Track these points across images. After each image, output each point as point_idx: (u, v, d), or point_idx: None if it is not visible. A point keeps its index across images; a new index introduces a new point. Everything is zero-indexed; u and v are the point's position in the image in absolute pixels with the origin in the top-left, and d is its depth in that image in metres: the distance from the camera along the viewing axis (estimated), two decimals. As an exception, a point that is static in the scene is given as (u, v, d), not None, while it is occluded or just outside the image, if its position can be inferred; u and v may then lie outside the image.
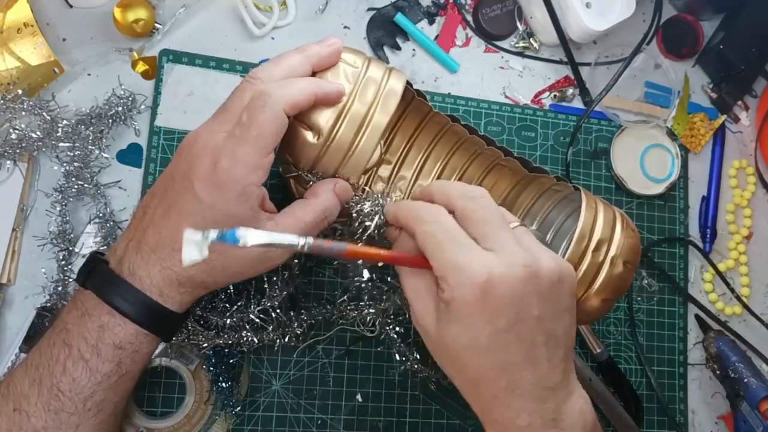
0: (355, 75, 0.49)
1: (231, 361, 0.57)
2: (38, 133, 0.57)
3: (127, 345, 0.45)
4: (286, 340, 0.58)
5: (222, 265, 0.46)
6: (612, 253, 0.52)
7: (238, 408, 0.58)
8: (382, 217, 0.49)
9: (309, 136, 0.48)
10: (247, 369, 0.59)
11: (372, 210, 0.50)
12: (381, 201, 0.50)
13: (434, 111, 0.57)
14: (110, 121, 0.59)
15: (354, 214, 0.50)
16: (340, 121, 0.48)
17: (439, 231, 0.43)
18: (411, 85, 0.55)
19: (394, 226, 0.49)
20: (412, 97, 0.57)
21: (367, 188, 0.52)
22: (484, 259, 0.41)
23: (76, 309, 0.46)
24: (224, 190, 0.43)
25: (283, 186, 0.63)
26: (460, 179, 0.61)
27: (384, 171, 0.60)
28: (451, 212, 0.45)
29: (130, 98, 0.60)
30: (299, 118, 0.48)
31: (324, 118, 0.48)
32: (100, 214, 0.58)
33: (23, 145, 0.57)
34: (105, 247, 0.58)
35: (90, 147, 0.58)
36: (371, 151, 0.49)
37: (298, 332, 0.58)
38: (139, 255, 0.45)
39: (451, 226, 0.43)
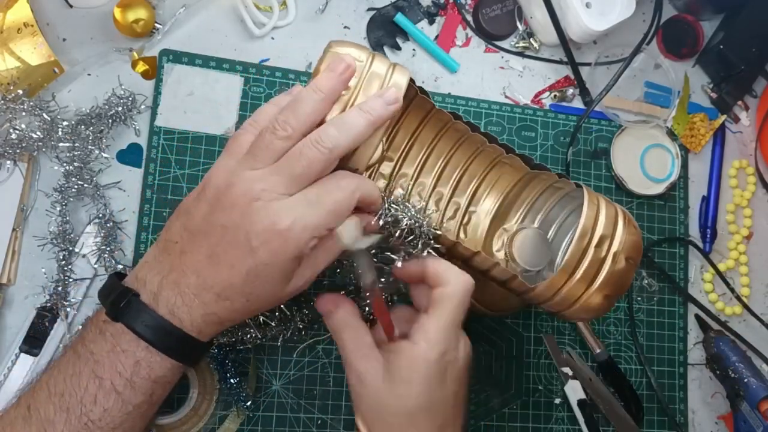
0: (359, 69, 0.49)
1: (239, 355, 0.57)
2: (38, 133, 0.57)
3: (162, 378, 0.45)
4: (289, 334, 0.58)
5: (261, 305, 0.47)
6: (614, 248, 0.52)
7: (249, 403, 0.58)
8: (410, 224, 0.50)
9: None
10: (254, 364, 0.59)
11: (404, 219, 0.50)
12: (415, 213, 0.51)
13: (436, 108, 0.57)
14: (110, 121, 0.59)
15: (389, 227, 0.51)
16: None
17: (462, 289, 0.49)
18: (414, 81, 0.55)
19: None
20: (414, 94, 0.57)
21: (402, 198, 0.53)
22: (459, 339, 0.50)
23: (104, 341, 0.44)
24: (283, 251, 0.43)
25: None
26: (462, 176, 0.61)
27: (386, 168, 0.60)
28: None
29: (130, 98, 0.60)
30: None
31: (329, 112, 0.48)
32: (100, 215, 0.58)
33: (23, 145, 0.57)
34: (108, 253, 0.58)
35: (90, 147, 0.58)
36: (374, 147, 0.49)
37: (300, 326, 0.58)
38: (179, 297, 0.44)
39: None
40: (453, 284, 0.48)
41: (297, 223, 0.43)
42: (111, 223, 0.58)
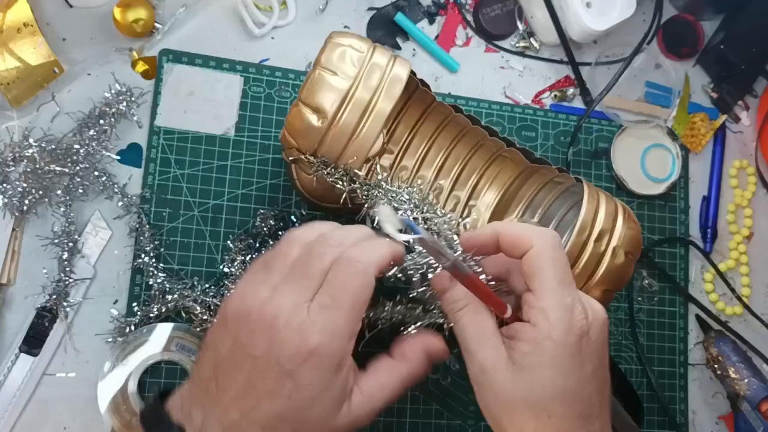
0: (360, 60, 0.49)
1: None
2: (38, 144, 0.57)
3: None
4: None
5: None
6: (613, 243, 0.52)
7: None
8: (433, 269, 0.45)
9: (314, 119, 0.48)
10: None
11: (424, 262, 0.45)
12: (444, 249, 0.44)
13: (437, 101, 0.57)
14: (112, 120, 0.59)
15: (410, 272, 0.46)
16: (344, 106, 0.48)
17: (560, 259, 0.41)
18: (415, 74, 0.55)
19: (443, 281, 0.44)
20: (415, 87, 0.57)
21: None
22: (584, 303, 0.41)
23: None
24: (321, 367, 0.39)
25: (284, 185, 0.63)
26: (462, 170, 0.61)
27: (386, 161, 0.60)
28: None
29: (129, 92, 0.59)
30: (304, 101, 0.48)
31: (329, 101, 0.48)
32: (136, 226, 0.58)
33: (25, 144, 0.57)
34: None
35: (94, 147, 0.58)
36: (374, 137, 0.49)
37: None
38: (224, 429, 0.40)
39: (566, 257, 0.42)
40: (538, 241, 0.41)
41: (325, 336, 0.39)
42: (149, 233, 0.58)
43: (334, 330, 0.39)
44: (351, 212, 0.63)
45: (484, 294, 0.42)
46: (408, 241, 0.40)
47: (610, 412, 0.43)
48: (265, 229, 0.60)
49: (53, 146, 0.57)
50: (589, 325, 0.40)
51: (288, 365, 0.39)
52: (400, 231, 0.40)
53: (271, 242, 0.60)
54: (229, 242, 0.60)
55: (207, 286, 0.59)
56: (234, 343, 0.40)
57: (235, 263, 0.58)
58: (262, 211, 0.61)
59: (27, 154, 0.57)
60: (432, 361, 0.44)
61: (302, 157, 0.50)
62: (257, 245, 0.59)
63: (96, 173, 0.58)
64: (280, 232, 0.61)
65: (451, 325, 0.44)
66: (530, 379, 0.40)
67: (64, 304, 0.56)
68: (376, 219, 0.44)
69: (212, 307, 0.57)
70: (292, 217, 0.62)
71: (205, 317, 0.56)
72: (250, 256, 0.59)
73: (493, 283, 0.45)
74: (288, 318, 0.39)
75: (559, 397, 0.40)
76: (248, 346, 0.40)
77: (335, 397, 0.40)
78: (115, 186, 0.58)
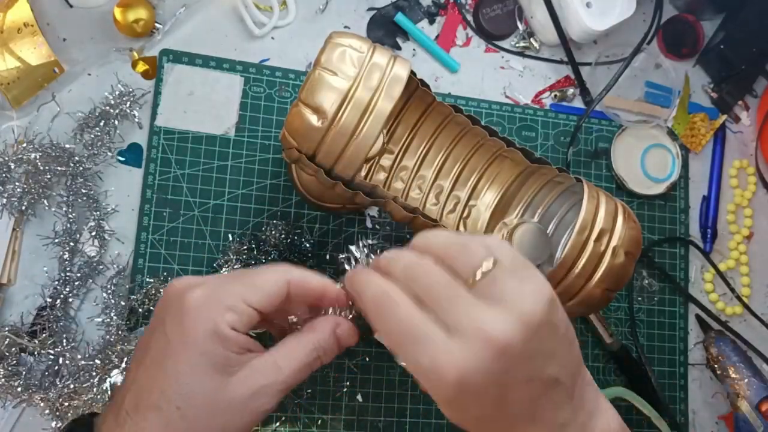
0: (360, 60, 0.49)
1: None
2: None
3: None
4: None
5: (203, 421, 0.38)
6: (614, 243, 0.52)
7: None
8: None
9: (314, 119, 0.48)
10: None
11: None
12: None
13: (437, 101, 0.57)
14: (115, 121, 0.59)
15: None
16: (344, 106, 0.48)
17: (394, 326, 0.37)
18: (415, 74, 0.55)
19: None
20: (415, 87, 0.57)
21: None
22: (448, 355, 0.36)
23: None
24: (193, 326, 0.38)
25: (285, 185, 0.63)
26: (462, 169, 0.61)
27: (386, 161, 0.60)
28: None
29: (131, 93, 0.59)
30: (304, 101, 0.48)
31: (329, 101, 0.48)
32: (96, 215, 0.58)
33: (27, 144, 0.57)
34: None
35: (97, 148, 0.59)
36: (374, 138, 0.49)
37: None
38: (116, 421, 0.38)
39: (406, 315, 0.37)
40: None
41: (206, 295, 0.38)
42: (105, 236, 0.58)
43: (217, 291, 0.39)
44: (351, 212, 0.63)
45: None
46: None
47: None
48: (272, 239, 0.60)
49: (53, 146, 0.57)
50: (462, 374, 0.36)
51: (168, 328, 0.38)
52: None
53: (274, 253, 0.60)
54: (230, 236, 0.60)
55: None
56: (149, 327, 0.41)
57: (229, 262, 0.58)
58: (274, 222, 0.61)
59: (27, 154, 0.56)
60: (341, 342, 0.43)
61: (302, 158, 0.50)
62: (256, 251, 0.59)
63: (84, 190, 0.58)
64: (286, 247, 0.61)
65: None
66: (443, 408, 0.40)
67: (65, 304, 0.56)
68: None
69: None
70: (306, 244, 0.61)
71: None
72: (245, 257, 0.58)
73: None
74: (186, 282, 0.40)
75: (467, 425, 0.40)
76: (153, 322, 0.40)
77: (217, 364, 0.38)
78: (93, 216, 0.58)
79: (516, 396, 0.37)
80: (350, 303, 0.43)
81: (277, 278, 0.40)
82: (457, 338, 0.36)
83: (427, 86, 0.56)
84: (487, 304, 0.36)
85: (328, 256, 0.63)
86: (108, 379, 0.55)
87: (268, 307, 0.40)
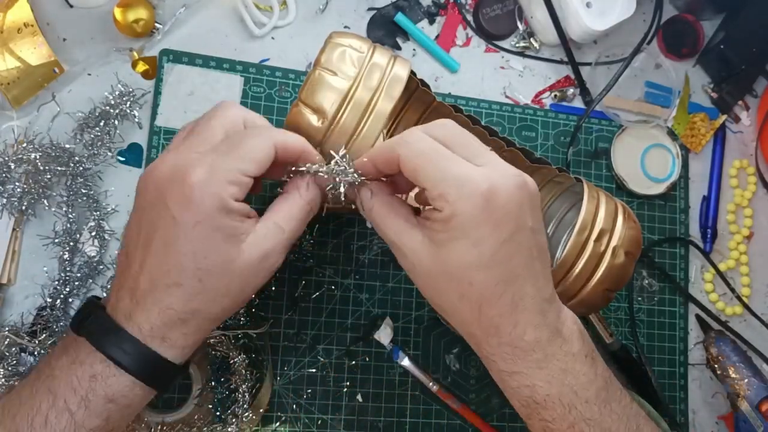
0: (360, 60, 0.49)
1: (240, 362, 0.57)
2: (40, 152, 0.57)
3: (120, 398, 0.41)
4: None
5: (223, 287, 0.42)
6: (613, 243, 0.52)
7: (248, 414, 0.57)
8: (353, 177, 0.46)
9: (314, 119, 0.48)
10: (270, 378, 0.59)
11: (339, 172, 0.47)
12: (346, 165, 0.47)
13: (437, 101, 0.57)
14: (115, 121, 0.59)
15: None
16: (344, 106, 0.48)
17: (427, 149, 0.42)
18: (415, 74, 0.55)
19: (366, 187, 0.46)
20: (416, 87, 0.57)
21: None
22: (480, 171, 0.41)
23: (66, 355, 0.42)
24: (202, 204, 0.40)
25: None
26: None
27: None
28: None
29: (132, 94, 0.59)
30: (304, 101, 0.48)
31: (329, 101, 0.48)
32: (96, 215, 0.58)
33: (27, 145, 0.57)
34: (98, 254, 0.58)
35: (97, 148, 0.59)
36: (374, 138, 0.49)
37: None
38: (134, 300, 0.42)
39: (437, 143, 0.42)
40: (403, 150, 0.42)
41: (207, 172, 0.41)
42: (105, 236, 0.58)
43: (216, 169, 0.41)
44: (352, 212, 0.63)
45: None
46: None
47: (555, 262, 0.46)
48: None
49: (53, 146, 0.57)
50: (492, 192, 0.40)
51: (173, 209, 0.40)
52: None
53: None
54: None
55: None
56: (133, 210, 0.44)
57: None
58: None
59: (27, 154, 0.56)
60: (322, 188, 0.47)
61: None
62: None
63: (84, 190, 0.58)
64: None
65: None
66: (446, 252, 0.41)
67: (64, 303, 0.56)
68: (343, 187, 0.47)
69: None
70: (306, 244, 0.62)
71: None
72: None
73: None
74: (173, 164, 0.42)
75: (475, 265, 0.41)
76: (141, 203, 0.43)
77: (230, 236, 0.41)
78: (93, 216, 0.58)
79: (523, 238, 0.42)
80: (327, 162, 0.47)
81: (265, 144, 0.44)
82: (485, 167, 0.41)
83: (428, 86, 0.56)
84: None
85: (328, 257, 0.63)
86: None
87: (260, 173, 0.43)
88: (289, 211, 0.45)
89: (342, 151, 0.46)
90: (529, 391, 0.43)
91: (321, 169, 0.46)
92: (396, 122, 0.60)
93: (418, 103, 0.59)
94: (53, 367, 0.42)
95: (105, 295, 0.57)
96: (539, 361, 0.42)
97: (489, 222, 0.40)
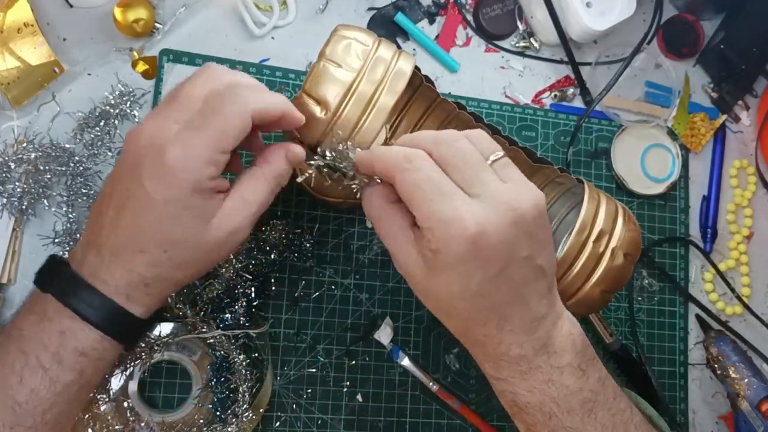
0: (365, 53, 0.49)
1: (243, 362, 0.57)
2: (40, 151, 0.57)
3: (91, 351, 0.42)
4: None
5: (189, 259, 0.43)
6: (613, 244, 0.52)
7: (248, 414, 0.57)
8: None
9: (317, 110, 0.48)
10: (270, 378, 0.59)
11: (342, 160, 0.48)
12: (349, 152, 0.48)
13: (441, 98, 0.57)
14: (115, 121, 0.59)
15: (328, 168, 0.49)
16: (347, 98, 0.48)
17: (421, 180, 0.41)
18: (419, 69, 0.55)
19: (364, 175, 0.46)
20: (419, 83, 0.57)
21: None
22: (471, 210, 0.40)
23: (33, 314, 0.43)
24: (176, 185, 0.41)
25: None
26: None
27: None
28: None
29: (132, 93, 0.59)
30: (307, 92, 0.48)
31: (332, 93, 0.48)
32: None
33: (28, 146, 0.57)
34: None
35: (97, 148, 0.59)
36: (377, 131, 0.49)
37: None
38: (99, 258, 0.43)
39: (433, 173, 0.41)
40: (399, 175, 0.42)
41: (182, 152, 0.41)
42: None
43: (190, 148, 0.41)
44: (352, 206, 0.63)
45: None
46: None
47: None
48: (272, 239, 0.60)
49: (53, 146, 0.57)
50: (480, 235, 0.40)
51: (147, 183, 0.41)
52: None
53: (274, 252, 0.60)
54: None
55: (204, 286, 0.59)
56: (114, 170, 0.44)
57: (228, 262, 0.58)
58: (274, 221, 0.60)
59: (27, 154, 0.56)
60: (292, 164, 0.47)
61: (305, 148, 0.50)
62: (256, 251, 0.59)
63: (84, 190, 0.58)
64: (286, 247, 0.61)
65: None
66: (435, 276, 0.42)
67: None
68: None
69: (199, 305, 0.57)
70: (306, 244, 0.62)
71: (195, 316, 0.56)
72: (245, 257, 0.58)
73: None
74: (152, 135, 0.42)
75: (460, 296, 0.42)
76: (119, 167, 0.43)
77: (201, 216, 0.42)
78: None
79: (514, 271, 0.41)
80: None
81: (243, 116, 0.42)
82: (479, 200, 0.40)
83: (431, 82, 0.56)
84: (502, 180, 0.42)
85: (328, 257, 0.63)
86: (108, 378, 0.55)
87: (236, 144, 0.43)
88: (257, 186, 0.45)
89: (348, 143, 0.47)
90: (512, 396, 0.44)
91: (321, 163, 0.47)
92: (400, 117, 0.60)
93: (422, 98, 0.59)
94: (21, 327, 0.43)
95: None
96: (523, 373, 0.43)
97: (476, 260, 0.40)
